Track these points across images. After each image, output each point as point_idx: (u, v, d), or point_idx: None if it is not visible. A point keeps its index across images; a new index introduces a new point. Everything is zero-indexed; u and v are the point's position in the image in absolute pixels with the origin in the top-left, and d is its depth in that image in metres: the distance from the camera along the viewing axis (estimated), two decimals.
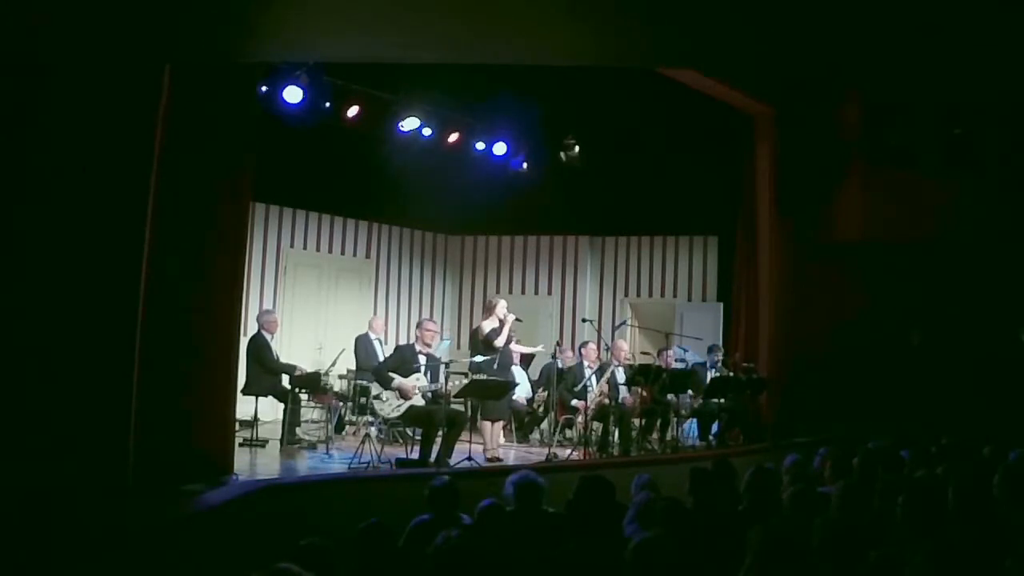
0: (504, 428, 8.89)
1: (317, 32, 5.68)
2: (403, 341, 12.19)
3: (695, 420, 10.33)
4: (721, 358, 10.59)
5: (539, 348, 10.46)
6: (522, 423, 10.20)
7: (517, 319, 9.03)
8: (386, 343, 10.61)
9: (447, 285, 14.23)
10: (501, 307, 8.95)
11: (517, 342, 9.80)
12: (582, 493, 4.47)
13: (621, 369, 9.71)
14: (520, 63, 7.68)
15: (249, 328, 9.57)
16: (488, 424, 8.68)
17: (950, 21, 5.02)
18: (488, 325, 8.89)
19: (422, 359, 8.02)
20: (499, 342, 8.76)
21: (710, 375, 10.27)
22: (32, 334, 4.68)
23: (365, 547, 4.08)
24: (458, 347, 13.08)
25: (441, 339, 9.12)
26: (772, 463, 5.56)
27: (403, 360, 8.00)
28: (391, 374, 7.86)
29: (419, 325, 8.44)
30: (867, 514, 4.04)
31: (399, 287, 13.54)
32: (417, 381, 7.91)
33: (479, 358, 8.94)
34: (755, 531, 3.06)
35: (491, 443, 8.60)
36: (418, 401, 7.88)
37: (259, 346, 9.23)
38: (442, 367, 8.37)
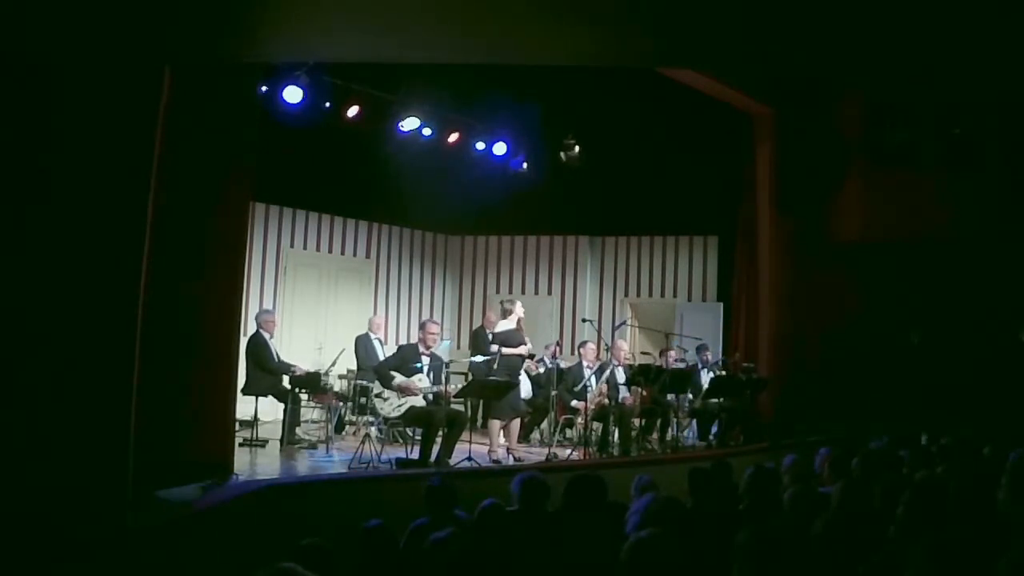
0: (504, 427, 8.90)
1: (317, 32, 5.67)
2: (403, 341, 12.21)
3: (694, 420, 10.34)
4: (709, 357, 10.59)
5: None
6: (522, 423, 10.19)
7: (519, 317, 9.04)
8: (386, 343, 10.61)
9: (447, 285, 14.23)
10: (519, 308, 8.97)
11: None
12: (572, 494, 4.46)
13: (621, 369, 9.72)
14: (520, 63, 7.67)
15: (249, 328, 9.57)
16: (496, 423, 8.70)
17: (950, 21, 5.03)
18: (505, 325, 8.89)
19: (425, 359, 8.03)
20: (514, 351, 8.76)
21: (703, 375, 10.27)
22: (31, 334, 4.68)
23: (366, 548, 4.09)
24: (458, 347, 13.08)
25: (441, 339, 9.12)
26: (772, 463, 5.56)
27: (404, 360, 8.00)
28: (392, 372, 7.87)
29: (422, 327, 8.44)
30: (867, 514, 4.03)
31: (399, 287, 13.54)
32: (420, 382, 7.91)
33: (479, 358, 8.95)
34: (742, 535, 3.04)
35: (508, 442, 8.70)
36: (418, 401, 7.89)
37: (258, 346, 9.22)
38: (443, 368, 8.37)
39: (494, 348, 8.75)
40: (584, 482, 4.49)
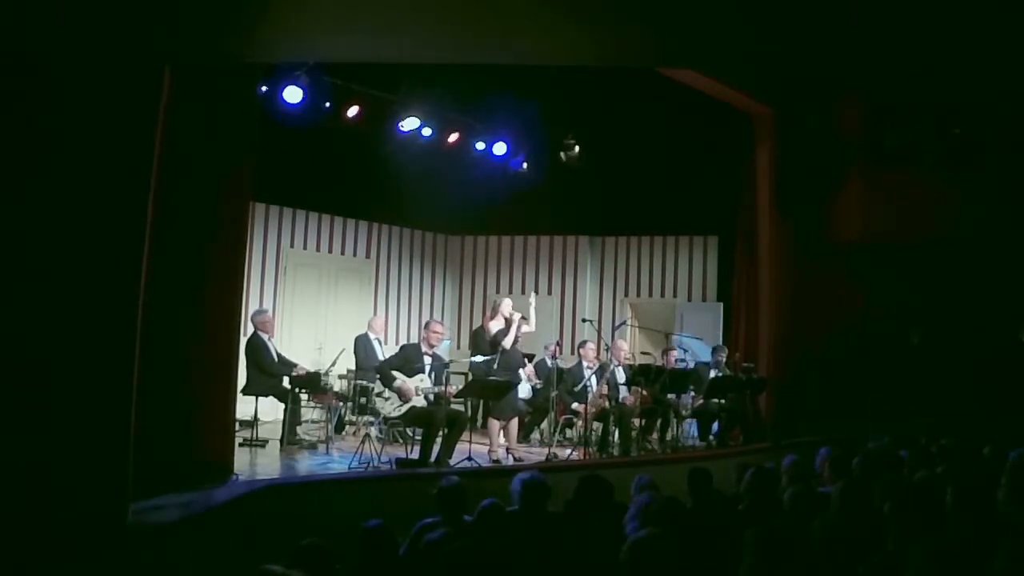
0: (504, 427, 8.90)
1: (317, 32, 5.68)
2: (403, 341, 12.21)
3: (695, 420, 10.33)
4: (723, 358, 10.57)
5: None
6: (522, 423, 10.19)
7: (523, 317, 9.03)
8: (386, 343, 10.60)
9: (447, 285, 14.23)
10: (506, 306, 8.97)
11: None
12: (582, 493, 4.47)
13: (621, 369, 9.71)
14: (520, 63, 7.67)
15: (247, 329, 9.55)
16: (496, 423, 8.70)
17: (950, 21, 5.03)
18: (495, 326, 8.89)
19: (427, 360, 8.02)
20: (507, 342, 8.77)
21: (712, 375, 10.26)
22: (31, 334, 4.68)
23: (366, 548, 4.08)
24: (458, 347, 13.08)
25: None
26: (772, 463, 5.56)
27: (407, 360, 8.00)
28: (394, 372, 7.86)
29: (427, 326, 8.44)
30: (867, 514, 4.04)
31: (399, 287, 13.54)
32: (421, 382, 7.91)
33: (479, 358, 8.94)
34: (751, 532, 3.04)
35: (508, 442, 8.70)
36: (419, 401, 7.88)
37: (256, 347, 9.19)
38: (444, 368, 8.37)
39: (509, 341, 8.74)
40: (594, 483, 4.49)
